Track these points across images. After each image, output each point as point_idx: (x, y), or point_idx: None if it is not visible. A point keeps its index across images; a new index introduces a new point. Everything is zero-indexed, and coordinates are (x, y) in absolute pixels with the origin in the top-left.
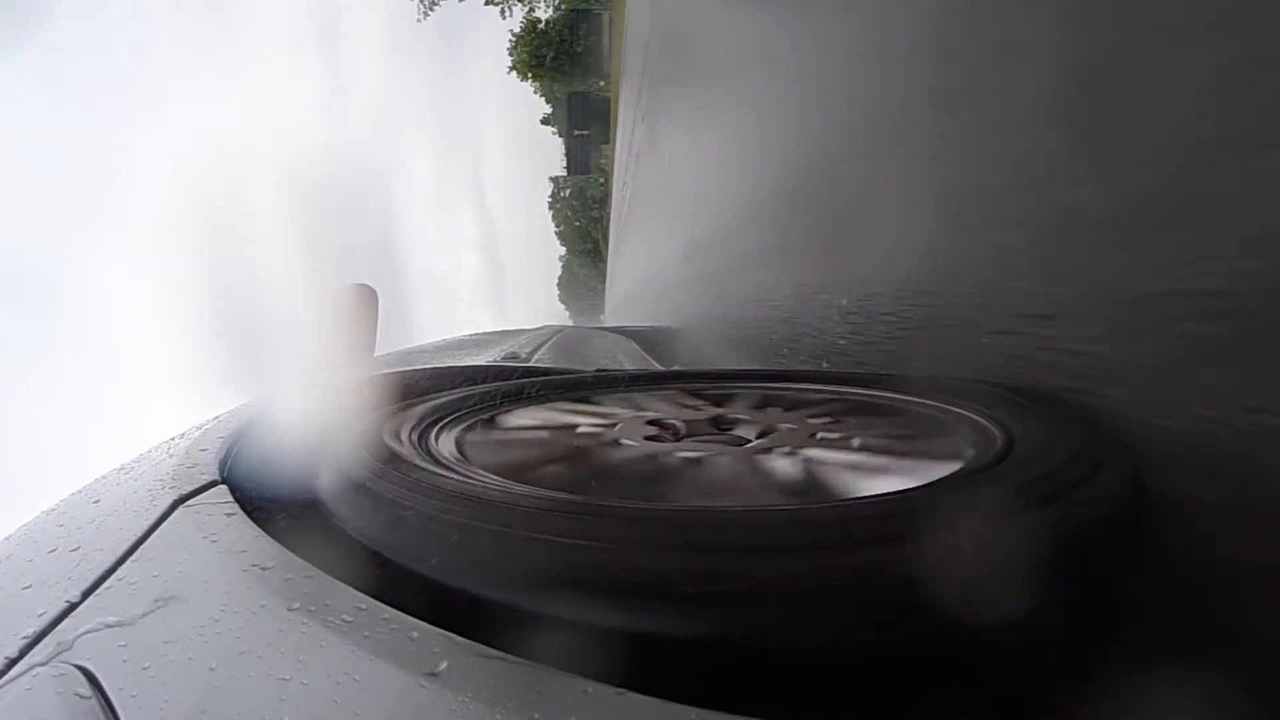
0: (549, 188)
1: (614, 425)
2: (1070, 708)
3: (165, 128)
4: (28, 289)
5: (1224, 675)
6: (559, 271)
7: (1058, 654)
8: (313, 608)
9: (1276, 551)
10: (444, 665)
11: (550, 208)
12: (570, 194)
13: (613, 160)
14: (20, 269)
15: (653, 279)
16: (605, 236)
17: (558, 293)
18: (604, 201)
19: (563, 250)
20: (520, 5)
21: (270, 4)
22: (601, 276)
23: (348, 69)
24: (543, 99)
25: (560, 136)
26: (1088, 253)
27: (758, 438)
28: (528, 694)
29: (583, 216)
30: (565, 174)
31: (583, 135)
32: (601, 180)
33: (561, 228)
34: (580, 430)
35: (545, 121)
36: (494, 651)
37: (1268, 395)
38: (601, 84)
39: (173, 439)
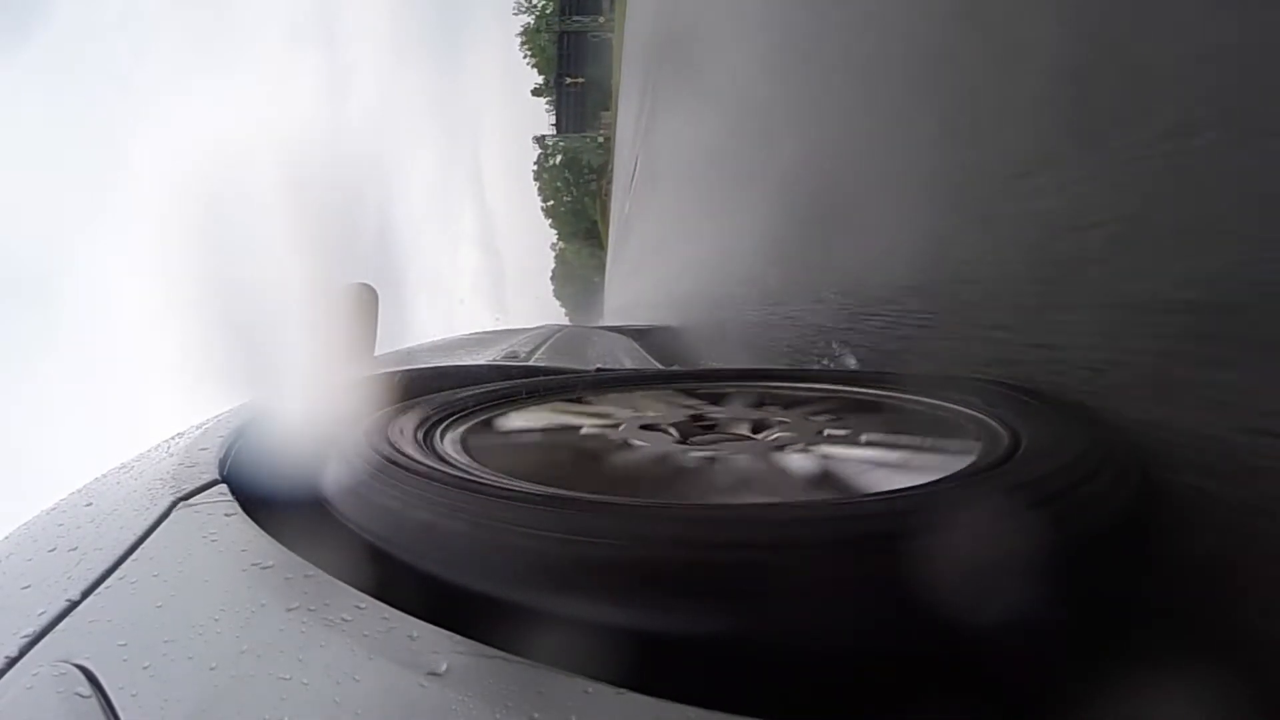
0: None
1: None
2: (1070, 707)
3: (164, 126)
4: (28, 289)
5: (1224, 675)
6: (552, 265)
7: (1058, 654)
8: (313, 607)
9: (1277, 551)
10: (444, 665)
11: (536, 177)
12: (561, 160)
13: (615, 129)
14: (20, 269)
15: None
16: (605, 213)
17: (552, 288)
18: (602, 171)
19: (555, 237)
20: None
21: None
22: (600, 267)
23: (345, 64)
24: (535, 69)
25: (552, 89)
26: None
27: (755, 433)
28: (528, 693)
29: (576, 189)
30: (554, 132)
31: (576, 84)
32: (600, 141)
33: (551, 202)
34: (585, 431)
35: (537, 93)
36: (494, 651)
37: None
38: (600, 20)
39: (172, 438)
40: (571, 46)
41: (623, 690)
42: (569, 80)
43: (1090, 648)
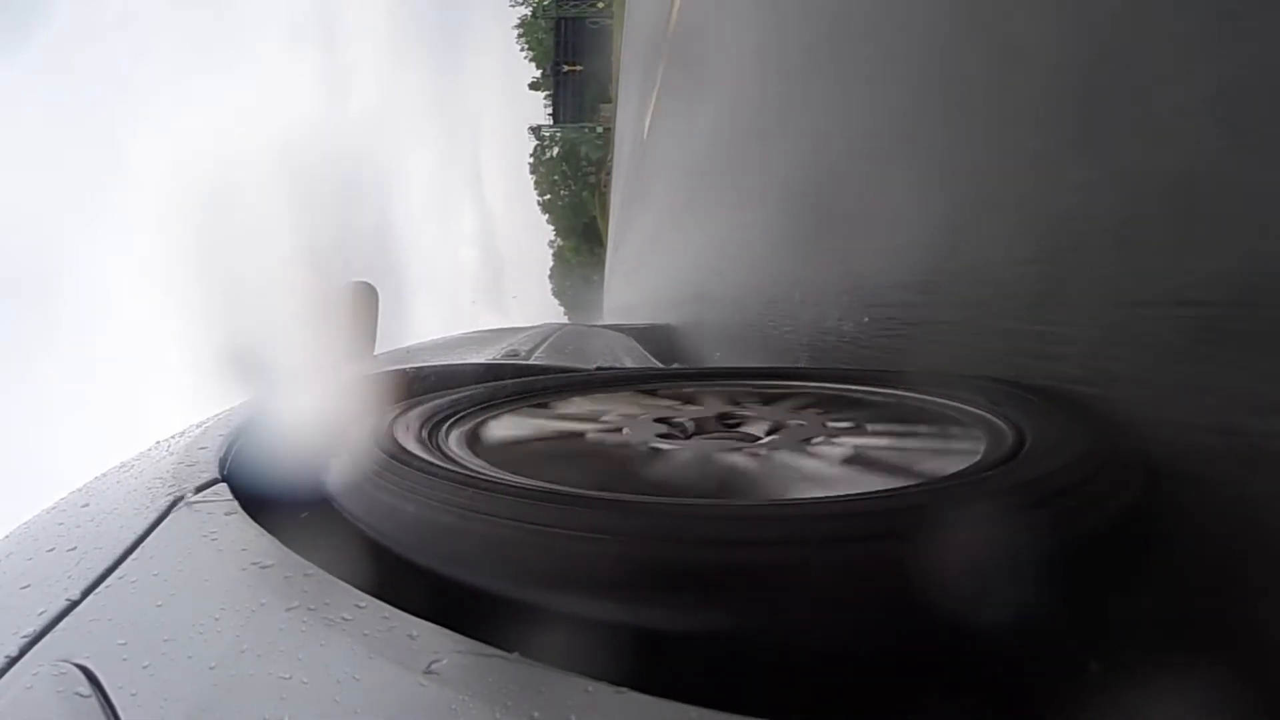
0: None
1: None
2: (1070, 708)
3: (165, 126)
4: (28, 289)
5: (1224, 675)
6: (551, 263)
7: (1059, 653)
8: (313, 606)
9: (1277, 550)
10: (443, 663)
11: (532, 171)
12: (558, 153)
13: (615, 118)
14: (20, 269)
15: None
16: (604, 209)
17: (550, 287)
18: (601, 163)
19: (552, 234)
20: None
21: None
22: (599, 264)
23: (345, 64)
24: (533, 63)
25: (549, 78)
26: None
27: (768, 434)
28: (527, 692)
29: (574, 182)
30: (551, 122)
31: (574, 71)
32: (599, 132)
33: (548, 197)
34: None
35: (534, 86)
36: (493, 649)
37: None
38: (599, 5)
39: (173, 437)
40: (569, 33)
41: (623, 689)
42: (566, 67)
43: (1091, 647)
